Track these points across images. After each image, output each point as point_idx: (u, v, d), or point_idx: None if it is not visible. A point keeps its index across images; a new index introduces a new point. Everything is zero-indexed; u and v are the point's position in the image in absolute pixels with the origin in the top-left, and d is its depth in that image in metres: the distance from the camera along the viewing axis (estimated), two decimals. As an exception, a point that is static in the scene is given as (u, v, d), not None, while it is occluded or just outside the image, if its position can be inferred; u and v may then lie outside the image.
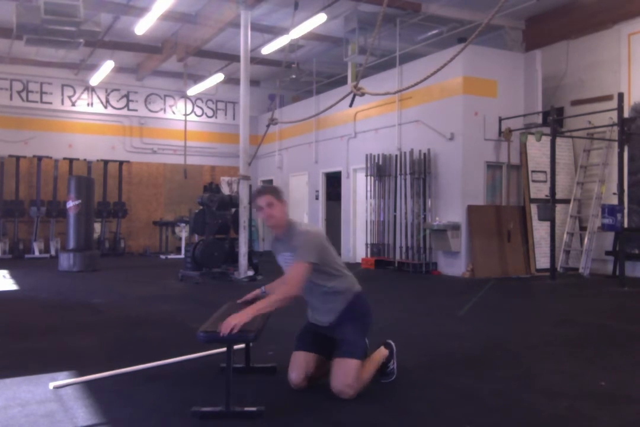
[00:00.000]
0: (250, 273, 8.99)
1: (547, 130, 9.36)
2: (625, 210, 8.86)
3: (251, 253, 9.40)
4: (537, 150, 10.09)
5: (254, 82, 12.52)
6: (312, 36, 11.65)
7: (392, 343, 3.68)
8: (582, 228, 10.04)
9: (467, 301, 6.63)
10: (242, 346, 4.45)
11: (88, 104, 14.56)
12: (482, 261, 9.51)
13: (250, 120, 9.82)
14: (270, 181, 15.68)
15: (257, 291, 3.68)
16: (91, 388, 3.39)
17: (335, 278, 3.41)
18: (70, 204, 10.50)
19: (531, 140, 9.93)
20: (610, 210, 8.24)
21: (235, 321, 2.89)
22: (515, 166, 10.20)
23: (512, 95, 10.15)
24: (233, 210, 9.57)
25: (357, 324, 3.36)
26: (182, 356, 4.04)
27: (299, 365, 3.32)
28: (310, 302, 3.52)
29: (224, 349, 4.28)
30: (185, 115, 15.11)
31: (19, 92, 13.83)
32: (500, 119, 9.91)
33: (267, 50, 11.70)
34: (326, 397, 3.25)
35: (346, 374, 3.15)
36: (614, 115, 8.68)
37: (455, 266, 9.74)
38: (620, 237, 8.59)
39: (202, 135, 15.60)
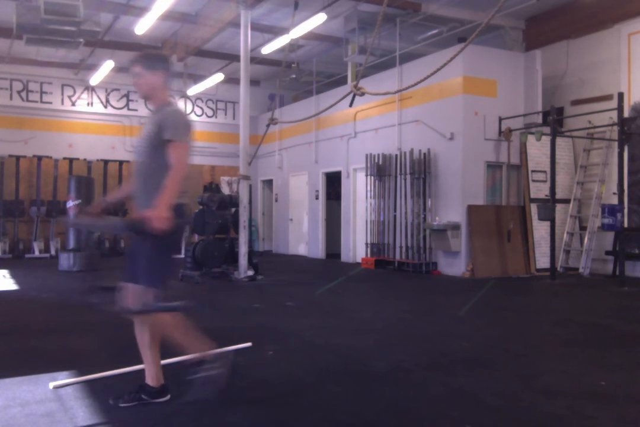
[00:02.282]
0: (250, 273, 8.99)
1: (547, 130, 9.36)
2: (625, 210, 8.86)
3: (251, 253, 9.40)
4: (537, 150, 10.09)
5: (254, 82, 12.52)
6: (312, 36, 11.64)
7: (229, 359, 3.05)
8: (582, 228, 10.04)
9: (467, 301, 6.63)
10: (246, 345, 4.46)
11: (88, 104, 14.57)
12: (482, 260, 9.51)
13: (250, 120, 9.82)
14: (270, 181, 15.70)
15: (100, 203, 3.40)
16: (91, 388, 3.39)
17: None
18: (70, 203, 10.50)
19: (531, 140, 9.93)
20: (610, 210, 8.24)
21: (158, 215, 2.75)
22: (515, 166, 10.20)
23: (512, 95, 10.14)
24: (233, 210, 9.57)
25: (159, 246, 2.94)
26: (182, 356, 4.04)
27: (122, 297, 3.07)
28: (136, 188, 3.18)
29: (225, 349, 4.30)
30: (185, 115, 15.09)
31: (19, 92, 13.83)
32: (500, 119, 9.91)
33: (267, 50, 11.70)
34: (325, 397, 3.25)
35: (127, 299, 3.01)
36: (614, 115, 8.68)
37: (455, 266, 9.73)
38: (620, 237, 8.59)
39: (202, 135, 15.57)
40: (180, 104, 15.40)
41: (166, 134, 2.97)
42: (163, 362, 3.78)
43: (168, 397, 3.16)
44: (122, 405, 3.06)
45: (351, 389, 3.40)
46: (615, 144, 8.84)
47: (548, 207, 8.92)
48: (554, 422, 2.91)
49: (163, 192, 2.89)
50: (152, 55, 3.37)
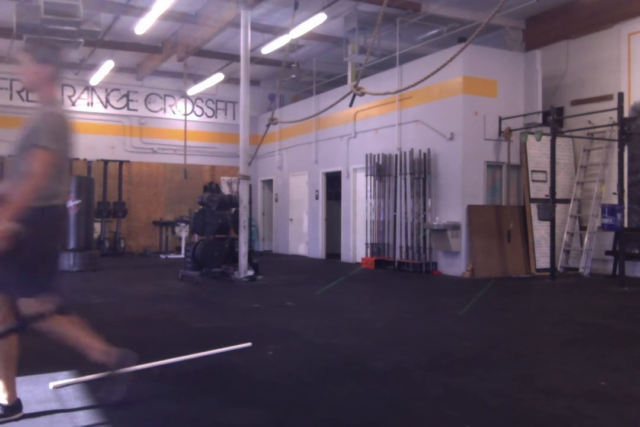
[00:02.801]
0: (250, 273, 8.99)
1: (547, 130, 9.36)
2: (625, 210, 8.87)
3: (251, 253, 9.40)
4: (537, 150, 10.09)
5: (254, 82, 12.52)
6: (312, 36, 11.64)
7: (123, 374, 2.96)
8: (582, 228, 10.04)
9: (467, 301, 6.64)
10: (246, 345, 4.46)
11: (88, 104, 14.57)
12: (482, 260, 9.51)
13: (250, 120, 9.82)
14: (270, 181, 15.70)
15: None
16: (91, 388, 3.39)
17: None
18: (70, 203, 10.49)
19: (531, 140, 9.93)
20: (610, 210, 8.24)
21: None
22: (515, 166, 10.20)
23: (512, 95, 10.14)
24: (233, 210, 9.58)
25: (28, 251, 2.71)
26: (182, 355, 4.04)
27: None
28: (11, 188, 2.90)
29: (226, 348, 4.30)
30: (185, 115, 15.11)
31: (19, 92, 13.85)
32: (500, 119, 9.91)
33: (267, 50, 11.70)
34: (325, 397, 3.25)
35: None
36: (614, 115, 8.68)
37: (455, 266, 9.73)
38: (620, 237, 8.59)
39: (202, 135, 15.60)
40: (180, 104, 15.42)
41: (34, 138, 2.73)
42: (172, 360, 3.78)
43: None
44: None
45: (351, 389, 3.40)
46: (615, 144, 8.83)
47: (548, 207, 8.92)
48: (554, 422, 2.91)
49: (12, 202, 2.59)
50: (43, 46, 3.20)
